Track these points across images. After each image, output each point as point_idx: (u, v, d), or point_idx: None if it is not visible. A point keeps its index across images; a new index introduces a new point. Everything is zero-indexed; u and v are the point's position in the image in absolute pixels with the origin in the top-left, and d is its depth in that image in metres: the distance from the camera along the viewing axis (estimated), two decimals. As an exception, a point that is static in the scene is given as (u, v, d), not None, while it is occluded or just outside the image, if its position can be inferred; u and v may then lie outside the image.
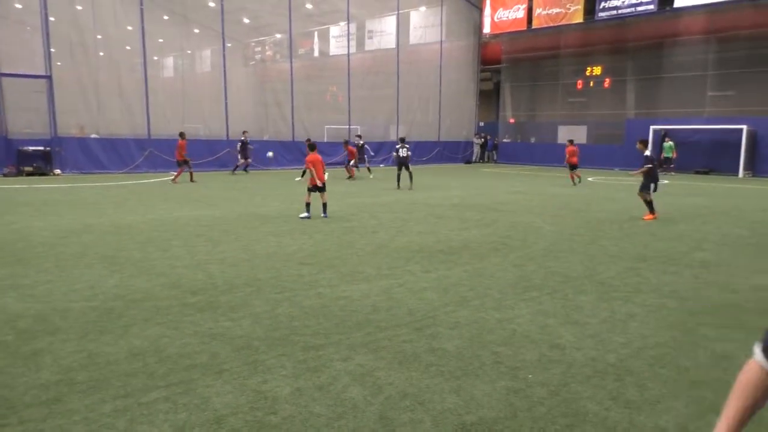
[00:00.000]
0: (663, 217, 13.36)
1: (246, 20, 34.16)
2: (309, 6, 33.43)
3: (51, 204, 14.22)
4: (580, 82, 36.27)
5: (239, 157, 26.13)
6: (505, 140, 40.96)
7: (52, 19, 23.15)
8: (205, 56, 32.79)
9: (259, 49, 36.88)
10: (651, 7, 31.40)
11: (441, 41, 37.49)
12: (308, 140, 21.73)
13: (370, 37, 36.76)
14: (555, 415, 3.87)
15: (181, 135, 21.48)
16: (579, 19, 34.46)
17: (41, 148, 22.65)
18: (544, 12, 35.94)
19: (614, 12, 33.05)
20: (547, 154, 36.48)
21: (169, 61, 32.65)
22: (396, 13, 35.14)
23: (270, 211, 13.67)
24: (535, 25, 36.61)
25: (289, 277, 7.43)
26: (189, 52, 32.04)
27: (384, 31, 36.16)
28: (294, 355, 4.82)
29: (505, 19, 38.33)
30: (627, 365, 4.74)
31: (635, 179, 13.15)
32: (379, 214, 13.56)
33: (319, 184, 12.46)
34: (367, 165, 26.79)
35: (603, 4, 33.19)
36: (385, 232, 11.08)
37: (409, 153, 20.86)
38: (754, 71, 29.29)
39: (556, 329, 5.59)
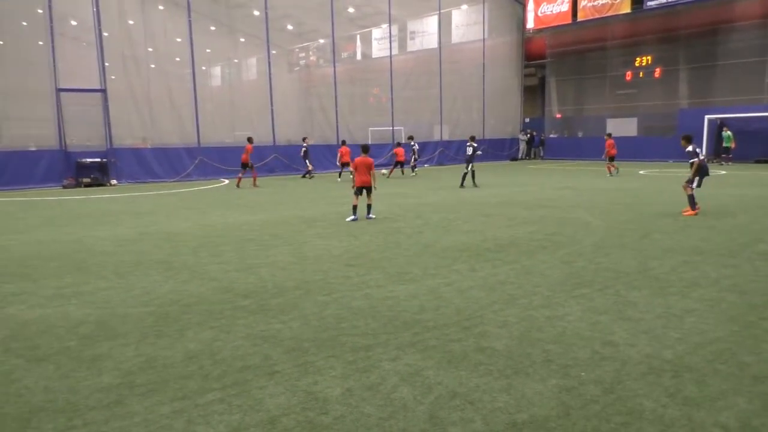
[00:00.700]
0: (721, 209, 12.90)
1: (290, 27, 34.71)
2: (351, 9, 33.72)
3: (108, 214, 14.75)
4: (629, 73, 35.35)
5: (307, 162, 26.64)
6: (551, 136, 40.29)
7: (105, 34, 24.06)
8: (251, 64, 33.43)
9: (303, 54, 37.40)
10: (702, -7, 30.41)
11: (483, 39, 37.16)
12: (342, 142, 22.13)
13: (412, 38, 36.78)
14: (609, 413, 3.79)
15: (249, 140, 22.55)
16: (626, 9, 33.62)
17: (98, 159, 23.54)
18: (590, 4, 35.21)
19: (664, 0, 32.09)
20: (595, 149, 35.51)
21: (217, 71, 33.44)
22: (437, 12, 35.05)
23: (316, 214, 13.84)
24: (580, 17, 35.92)
25: (337, 279, 7.50)
26: (236, 60, 32.74)
27: (426, 32, 36.11)
28: (343, 356, 4.87)
29: (549, 13, 37.73)
30: (684, 361, 4.60)
31: (687, 171, 12.70)
32: (425, 213, 13.54)
33: (357, 185, 12.58)
34: (412, 164, 27.30)
35: (651, -8, 32.31)
36: (432, 231, 11.06)
37: (477, 152, 20.97)
38: (815, 54, 27.99)
39: (608, 326, 5.47)
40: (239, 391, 4.24)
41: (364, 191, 12.62)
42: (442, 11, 35.23)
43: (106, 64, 24.09)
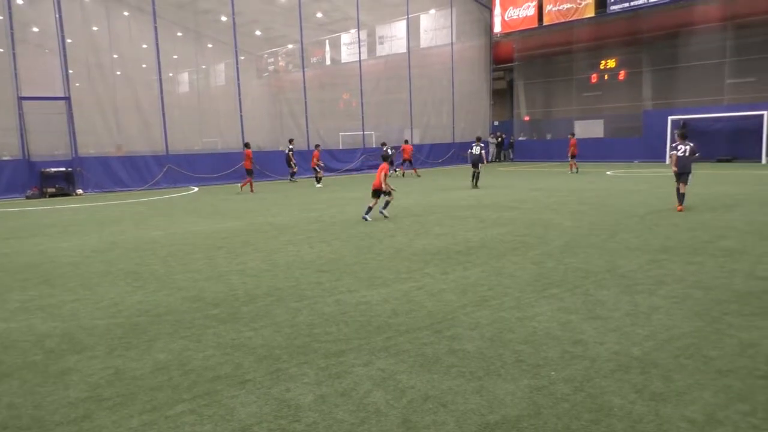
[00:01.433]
0: (685, 207, 13.18)
1: (258, 32, 34.51)
2: (319, 15, 33.67)
3: (75, 224, 14.46)
4: (594, 76, 36.01)
5: (292, 165, 27.38)
6: (520, 138, 40.75)
7: (69, 41, 23.63)
8: (219, 70, 33.17)
9: (272, 60, 37.22)
10: (664, -4, 31.13)
11: (452, 43, 37.48)
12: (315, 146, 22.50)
13: (381, 43, 36.88)
14: (579, 411, 3.85)
15: (247, 145, 23.22)
16: (591, 13, 34.26)
17: (63, 169, 23.07)
18: (555, 8, 35.78)
19: (627, 4, 32.77)
20: (563, 150, 36.05)
21: (184, 77, 33.09)
22: (406, 17, 35.22)
23: (287, 221, 13.77)
24: (546, 21, 36.47)
25: (309, 285, 7.47)
26: (203, 66, 32.43)
27: (395, 36, 36.26)
28: (315, 363, 4.85)
29: (515, 17, 38.22)
30: (652, 358, 4.70)
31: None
32: (397, 217, 13.57)
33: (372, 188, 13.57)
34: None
35: (614, -4, 32.98)
36: (404, 235, 11.09)
37: (483, 151, 21.36)
38: (773, 56, 28.85)
39: (578, 325, 5.55)
40: (210, 401, 4.19)
41: (380, 194, 13.54)
42: (410, 16, 35.43)
43: (70, 71, 23.64)
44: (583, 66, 36.36)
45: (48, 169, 22.72)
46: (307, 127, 31.31)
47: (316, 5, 32.82)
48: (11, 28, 22.19)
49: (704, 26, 30.91)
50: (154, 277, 8.21)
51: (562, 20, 35.70)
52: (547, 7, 36.13)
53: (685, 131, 13.66)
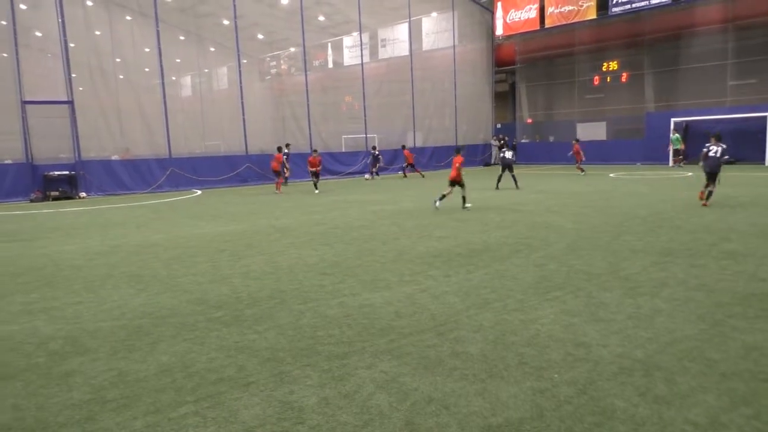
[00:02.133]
0: (687, 209, 13.19)
1: (260, 36, 34.61)
2: (321, 18, 33.75)
3: (78, 227, 14.49)
4: (596, 78, 36.01)
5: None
6: (523, 141, 40.75)
7: (72, 45, 23.69)
8: (221, 74, 33.28)
9: (274, 63, 37.32)
10: (666, -1, 31.15)
11: (454, 46, 37.52)
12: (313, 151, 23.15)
13: (383, 46, 36.97)
14: (582, 414, 3.84)
15: (279, 149, 24.78)
16: (592, 15, 34.29)
17: (66, 172, 23.13)
18: (557, 10, 35.82)
19: (628, 6, 32.80)
20: (566, 153, 36.28)
21: (187, 81, 33.18)
22: (408, 20, 35.28)
23: (290, 224, 13.78)
24: (547, 24, 36.52)
25: (312, 288, 7.48)
26: (206, 70, 32.55)
27: (397, 39, 36.34)
28: (319, 365, 4.85)
29: (517, 20, 38.28)
30: (655, 360, 4.69)
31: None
32: (400, 221, 13.58)
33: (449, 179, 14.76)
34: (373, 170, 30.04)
35: (616, -2, 33.02)
36: (406, 238, 11.10)
37: (513, 155, 21.78)
38: (775, 57, 28.85)
39: (580, 327, 5.55)
40: (214, 404, 4.20)
41: (457, 185, 14.63)
42: (412, 19, 35.50)
43: (73, 75, 23.70)
44: (585, 68, 36.38)
45: (51, 173, 22.77)
46: (309, 130, 31.36)
47: (317, 8, 32.91)
48: (14, 32, 22.28)
49: (706, 28, 30.92)
50: (157, 280, 8.22)
51: (564, 22, 35.74)
52: (549, 10, 36.18)
53: (719, 134, 14.35)
